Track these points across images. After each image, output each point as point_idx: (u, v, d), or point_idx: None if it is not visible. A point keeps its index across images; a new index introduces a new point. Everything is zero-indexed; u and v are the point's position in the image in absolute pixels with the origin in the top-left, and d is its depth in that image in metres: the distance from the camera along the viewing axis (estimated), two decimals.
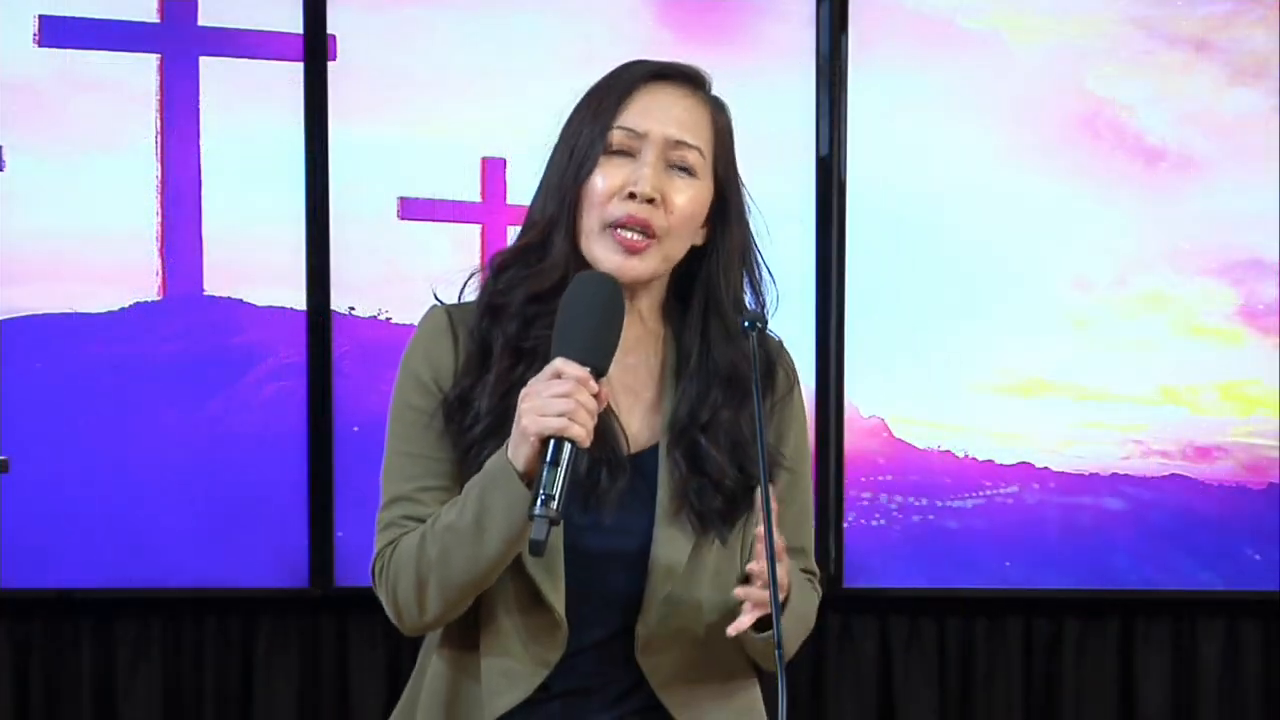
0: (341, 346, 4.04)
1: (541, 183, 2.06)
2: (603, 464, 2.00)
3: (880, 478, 4.19)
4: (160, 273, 4.01)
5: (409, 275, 4.03)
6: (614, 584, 2.02)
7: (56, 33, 3.94)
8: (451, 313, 2.07)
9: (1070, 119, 4.19)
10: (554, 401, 1.84)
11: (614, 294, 1.93)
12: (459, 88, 4.04)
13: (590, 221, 2.00)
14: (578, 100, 2.06)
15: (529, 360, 1.98)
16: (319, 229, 4.02)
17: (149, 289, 4.01)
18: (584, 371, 1.86)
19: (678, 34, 4.09)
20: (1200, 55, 4.21)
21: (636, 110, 2.01)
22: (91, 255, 3.98)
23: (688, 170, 2.02)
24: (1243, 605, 4.30)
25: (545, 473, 1.83)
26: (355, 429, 4.04)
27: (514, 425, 1.88)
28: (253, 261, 4.03)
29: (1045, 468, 4.21)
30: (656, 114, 2.01)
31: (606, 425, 1.99)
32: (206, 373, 4.02)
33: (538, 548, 1.81)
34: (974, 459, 4.20)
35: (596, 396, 1.87)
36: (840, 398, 4.15)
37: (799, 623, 2.06)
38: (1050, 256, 4.21)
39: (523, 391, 1.88)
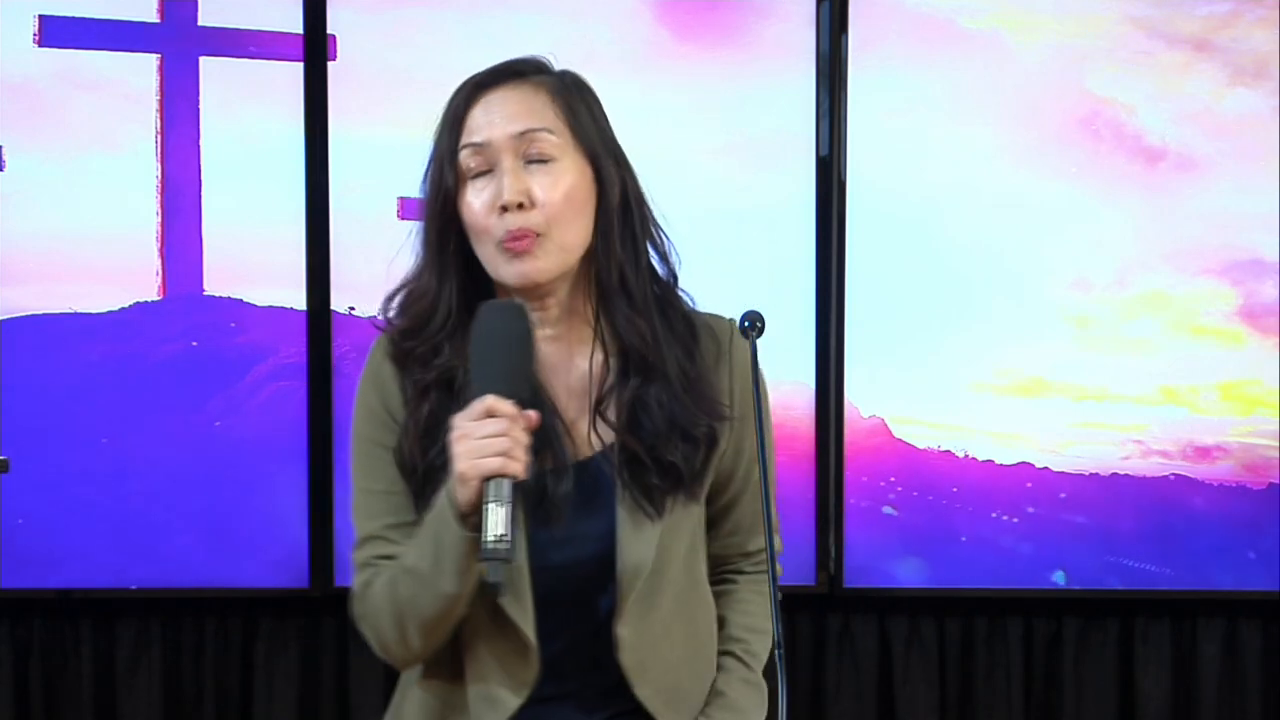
0: (341, 346, 4.04)
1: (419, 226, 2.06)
2: (551, 476, 1.99)
3: (880, 478, 4.19)
4: (160, 273, 4.01)
5: None
6: (584, 591, 2.02)
7: (56, 33, 3.94)
8: (393, 338, 2.07)
9: (1070, 119, 4.19)
10: (489, 442, 1.84)
11: (521, 319, 1.92)
12: None
13: (484, 249, 1.99)
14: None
15: (435, 391, 1.99)
16: (319, 229, 4.02)
17: (149, 289, 4.01)
18: (514, 409, 1.86)
19: (678, 34, 4.09)
20: (1200, 55, 4.21)
21: (473, 126, 2.00)
22: (91, 255, 3.98)
23: (545, 158, 1.99)
24: (1243, 605, 4.30)
25: (490, 514, 1.82)
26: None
27: (452, 467, 1.87)
28: (253, 261, 4.03)
29: (1045, 468, 4.21)
30: (492, 118, 1.99)
31: (552, 435, 1.99)
32: (206, 373, 4.02)
33: (496, 589, 1.82)
34: (974, 459, 4.20)
35: (527, 428, 1.87)
36: (840, 398, 4.14)
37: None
38: (1050, 256, 4.20)
39: (454, 433, 1.87)
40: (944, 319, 4.18)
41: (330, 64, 4.02)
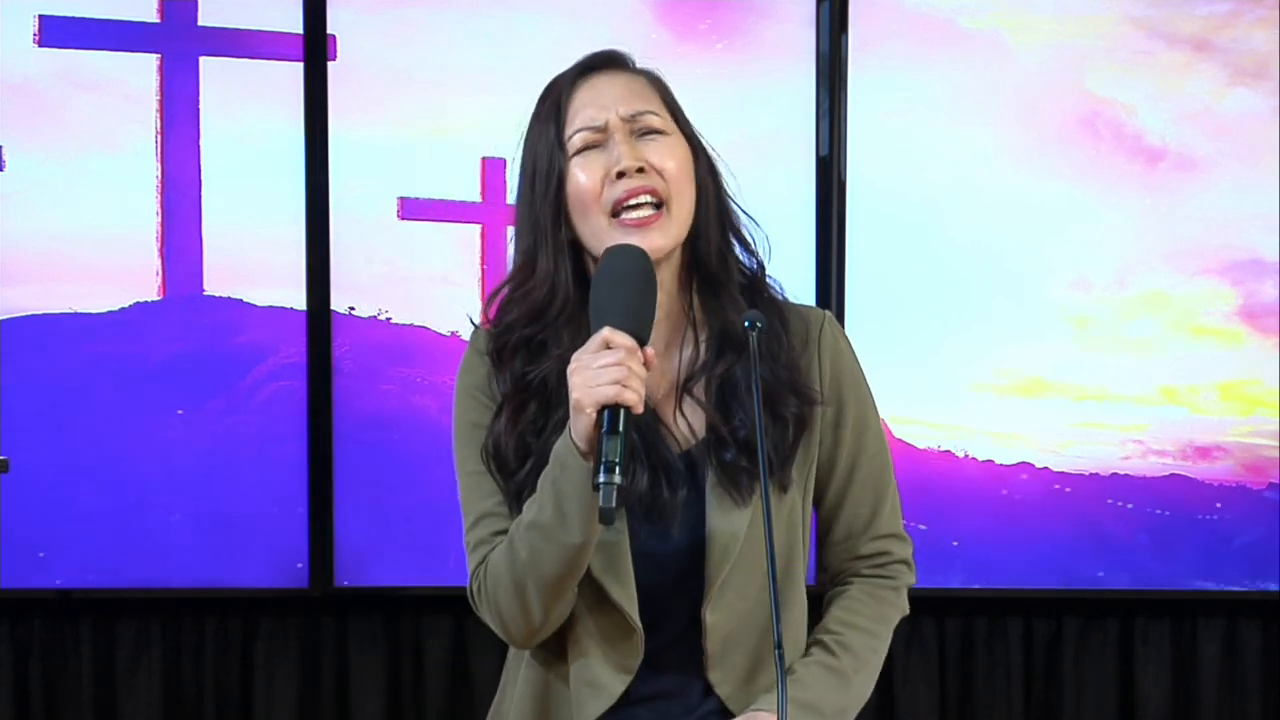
0: (341, 346, 4.04)
1: (516, 223, 2.07)
2: (658, 471, 2.01)
3: None
4: (160, 273, 4.01)
5: (409, 275, 4.04)
6: (681, 580, 2.03)
7: (56, 33, 3.94)
8: (492, 334, 2.08)
9: (1070, 119, 4.19)
10: (605, 371, 1.85)
11: (645, 263, 1.94)
12: (459, 88, 4.04)
13: (593, 222, 2.00)
14: (523, 135, 2.07)
15: (535, 400, 2.01)
16: (319, 229, 4.02)
17: (149, 289, 4.01)
18: (632, 341, 1.88)
19: (678, 34, 4.09)
20: (1200, 55, 4.21)
21: (580, 109, 2.02)
22: (91, 255, 3.98)
23: (655, 132, 2.02)
24: (1243, 605, 4.30)
25: (605, 442, 1.83)
26: (355, 429, 4.04)
27: (570, 402, 1.88)
28: (253, 261, 4.03)
29: (1045, 468, 4.21)
30: (601, 101, 2.02)
31: (653, 430, 2.01)
32: (206, 373, 4.02)
33: (608, 515, 1.81)
34: (974, 459, 4.20)
35: (645, 363, 1.88)
36: None
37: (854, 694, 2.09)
38: (1050, 256, 4.21)
39: (570, 366, 1.89)
40: (944, 319, 4.18)
41: (330, 64, 4.02)
